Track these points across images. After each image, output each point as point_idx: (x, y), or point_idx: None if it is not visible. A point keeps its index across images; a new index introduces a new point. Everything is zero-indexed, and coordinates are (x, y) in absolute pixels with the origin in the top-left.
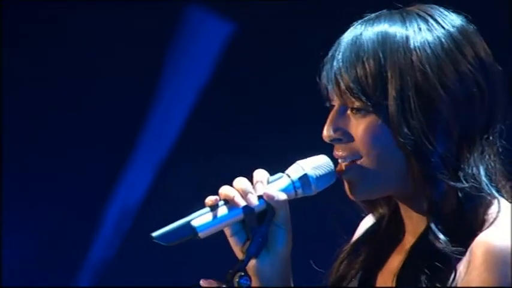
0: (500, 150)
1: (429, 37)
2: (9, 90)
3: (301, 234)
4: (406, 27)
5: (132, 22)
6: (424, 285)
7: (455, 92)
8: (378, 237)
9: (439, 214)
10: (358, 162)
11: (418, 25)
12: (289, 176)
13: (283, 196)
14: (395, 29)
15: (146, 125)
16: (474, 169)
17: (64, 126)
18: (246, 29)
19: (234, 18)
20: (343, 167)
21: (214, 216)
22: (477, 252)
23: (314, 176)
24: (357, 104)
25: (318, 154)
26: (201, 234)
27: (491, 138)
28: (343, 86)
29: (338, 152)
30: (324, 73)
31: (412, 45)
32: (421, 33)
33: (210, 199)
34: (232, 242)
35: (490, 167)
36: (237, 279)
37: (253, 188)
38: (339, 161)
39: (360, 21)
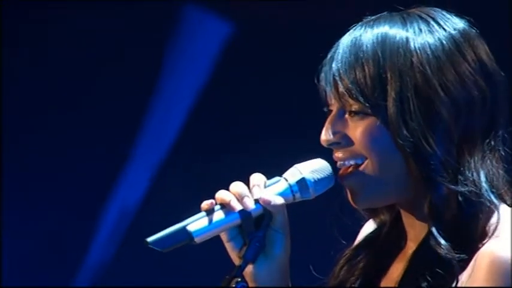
0: (503, 155)
1: (430, 39)
2: (9, 90)
3: (299, 239)
4: (407, 28)
5: (131, 22)
6: None
7: (455, 94)
8: (379, 243)
9: (440, 219)
10: (361, 168)
11: (418, 26)
12: (286, 180)
13: (280, 200)
14: (395, 31)
15: (145, 126)
16: (474, 174)
17: (62, 127)
18: (245, 29)
19: (233, 18)
20: (345, 173)
21: (210, 221)
22: (481, 263)
23: (312, 180)
24: (355, 106)
25: (317, 157)
26: (197, 239)
27: (493, 143)
28: (341, 88)
29: (338, 155)
30: (323, 75)
31: (412, 47)
32: (421, 34)
33: (206, 203)
34: (229, 247)
35: (491, 172)
36: (234, 285)
37: (250, 192)
38: (338, 164)
39: (359, 23)
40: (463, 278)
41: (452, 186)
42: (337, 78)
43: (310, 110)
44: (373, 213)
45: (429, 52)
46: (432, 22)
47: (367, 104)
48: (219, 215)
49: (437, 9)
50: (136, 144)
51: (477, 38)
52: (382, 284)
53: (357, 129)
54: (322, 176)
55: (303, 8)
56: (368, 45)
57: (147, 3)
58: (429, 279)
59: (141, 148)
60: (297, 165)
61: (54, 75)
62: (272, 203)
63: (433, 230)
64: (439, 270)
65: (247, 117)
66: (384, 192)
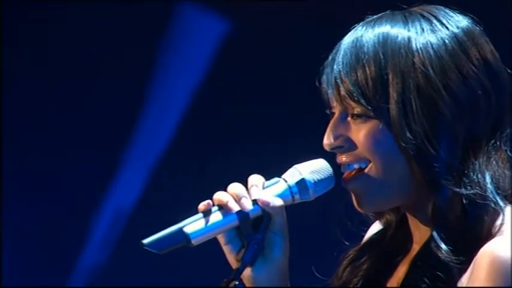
0: (509, 156)
1: (432, 38)
2: (2, 91)
3: (298, 242)
4: (409, 28)
5: (127, 21)
6: None
7: (459, 95)
8: (383, 245)
9: (443, 222)
10: (365, 171)
11: (421, 26)
12: (285, 181)
13: (279, 202)
14: (397, 30)
15: (140, 126)
16: (479, 175)
17: (58, 127)
18: (243, 27)
19: (230, 16)
20: (349, 177)
21: (208, 223)
22: (481, 263)
23: (312, 181)
24: (357, 109)
25: (317, 158)
26: (194, 241)
27: (498, 143)
28: (343, 91)
29: (342, 159)
30: (324, 77)
31: (414, 47)
32: (423, 34)
33: (203, 204)
34: (227, 250)
35: (496, 173)
36: None
37: (248, 192)
38: (342, 168)
39: (361, 23)
40: (464, 279)
41: (457, 189)
42: (339, 80)
43: (310, 110)
44: (379, 214)
45: (431, 52)
46: (435, 21)
47: (369, 107)
48: (216, 216)
49: (440, 7)
50: (132, 144)
51: (481, 36)
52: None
53: (359, 133)
54: (322, 176)
55: (302, 6)
56: (369, 46)
57: (143, 3)
58: (429, 282)
59: (137, 148)
60: (296, 166)
61: (50, 75)
62: (271, 205)
63: (434, 233)
64: (439, 273)
65: (245, 117)
66: (388, 196)
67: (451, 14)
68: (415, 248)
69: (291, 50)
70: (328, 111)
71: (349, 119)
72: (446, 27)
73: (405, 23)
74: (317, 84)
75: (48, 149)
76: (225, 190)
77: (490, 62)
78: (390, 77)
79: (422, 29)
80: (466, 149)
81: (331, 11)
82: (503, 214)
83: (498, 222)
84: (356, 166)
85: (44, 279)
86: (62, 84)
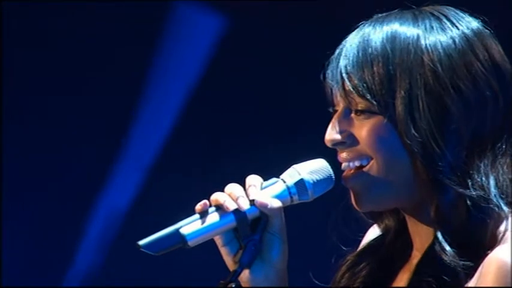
0: None
1: (442, 37)
2: None
3: (297, 243)
4: (418, 25)
5: (122, 19)
6: None
7: (467, 94)
8: (382, 251)
9: (446, 224)
10: (365, 168)
11: (430, 24)
12: (284, 181)
13: (277, 203)
14: (406, 27)
15: (134, 126)
16: (484, 178)
17: (52, 127)
18: (240, 25)
19: (227, 14)
20: (349, 175)
21: (205, 223)
22: (489, 269)
23: (311, 181)
24: (361, 105)
25: (316, 158)
26: (191, 243)
27: (504, 147)
28: (348, 85)
29: (343, 155)
30: (329, 72)
31: (423, 44)
32: (433, 32)
33: (200, 205)
34: (224, 251)
35: (501, 178)
36: None
37: (246, 193)
38: (343, 165)
39: (369, 21)
40: (470, 284)
41: (461, 190)
42: (345, 75)
43: (309, 110)
44: (377, 218)
45: (441, 50)
46: (445, 20)
47: (374, 102)
48: (213, 217)
49: (451, 8)
50: (126, 146)
51: (491, 38)
52: None
53: (362, 128)
54: (322, 177)
55: (302, 3)
56: (377, 41)
57: (140, 1)
58: (434, 287)
59: (131, 150)
60: (295, 166)
61: (45, 75)
62: (269, 207)
63: (439, 235)
64: (445, 278)
65: (243, 117)
66: (389, 194)
67: (462, 14)
68: (416, 254)
69: (289, 48)
70: (330, 110)
71: (352, 115)
72: (457, 27)
73: (415, 20)
74: (321, 79)
75: (43, 148)
76: (223, 191)
77: (499, 64)
78: (397, 72)
79: (432, 27)
80: (471, 150)
81: (331, 9)
82: (507, 220)
83: (502, 228)
84: (357, 163)
85: (33, 281)
86: (56, 83)
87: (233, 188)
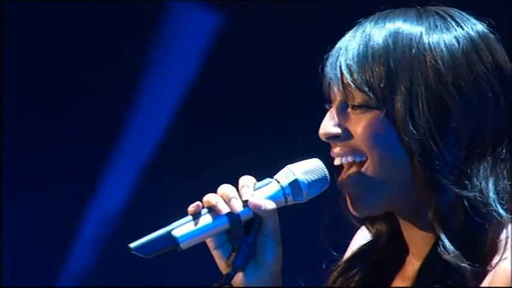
0: None
1: (446, 35)
2: None
3: (292, 246)
4: (422, 22)
5: (121, 19)
6: None
7: (468, 94)
8: (375, 257)
9: (446, 226)
10: (361, 170)
11: (434, 22)
12: (278, 182)
13: (271, 205)
14: (409, 24)
15: (128, 127)
16: (483, 182)
17: (45, 127)
18: (237, 22)
19: (223, 11)
20: (345, 178)
21: (197, 225)
22: (501, 279)
23: (305, 182)
24: (358, 99)
25: (311, 158)
26: (183, 245)
27: (504, 152)
28: (347, 78)
29: (336, 150)
30: (328, 66)
31: (426, 41)
32: (437, 30)
33: (192, 206)
34: (216, 254)
35: (501, 184)
36: None
37: (239, 194)
38: (336, 161)
39: (371, 16)
40: None
41: (458, 190)
42: (344, 68)
43: (305, 109)
44: (369, 224)
45: (444, 48)
46: (450, 19)
47: (372, 96)
48: (206, 219)
49: (457, 9)
50: (119, 147)
51: (495, 42)
52: None
53: (358, 123)
54: (317, 177)
55: (301, 4)
56: (379, 36)
57: (140, 1)
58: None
59: (124, 151)
60: (289, 166)
61: (44, 75)
62: (262, 208)
63: (441, 235)
64: (452, 280)
65: (239, 117)
66: (386, 197)
67: (467, 16)
68: (412, 261)
69: (287, 47)
70: (327, 106)
71: (349, 110)
72: (461, 27)
73: (419, 17)
74: (320, 72)
75: (43, 148)
76: (216, 192)
77: (502, 67)
78: (398, 68)
79: (436, 25)
80: (471, 151)
81: (329, 7)
82: (507, 227)
83: (503, 235)
84: (350, 159)
85: (39, 280)
86: (56, 83)
87: (226, 189)
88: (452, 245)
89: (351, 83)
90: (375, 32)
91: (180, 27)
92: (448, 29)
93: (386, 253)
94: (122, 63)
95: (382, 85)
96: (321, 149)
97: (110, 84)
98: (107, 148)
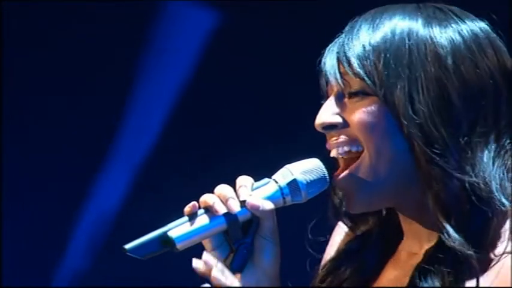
0: None
1: (445, 23)
2: None
3: (290, 246)
4: (421, 12)
5: (122, 19)
6: None
7: (468, 80)
8: (363, 254)
9: (450, 215)
10: (356, 163)
11: (434, 13)
12: (276, 182)
13: (269, 205)
14: (408, 15)
15: (126, 124)
16: (486, 170)
17: (50, 129)
18: (237, 21)
19: (223, 8)
20: (340, 174)
21: (194, 226)
22: (507, 274)
23: (304, 182)
24: (355, 86)
25: (309, 157)
26: (179, 246)
27: (508, 144)
28: (344, 66)
29: (332, 141)
30: (324, 59)
31: (425, 29)
32: (436, 19)
33: (188, 207)
34: (214, 256)
35: (504, 174)
36: None
37: (236, 194)
38: (332, 152)
39: (367, 12)
40: (485, 282)
41: (460, 175)
42: (341, 57)
43: (304, 108)
44: (354, 223)
45: (444, 35)
46: (450, 13)
47: (370, 81)
48: (203, 219)
49: (457, 8)
50: (114, 146)
51: (497, 38)
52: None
53: (355, 112)
54: (315, 177)
55: (301, 3)
56: (377, 28)
57: (140, 1)
58: (450, 278)
59: (119, 150)
60: (287, 166)
61: (44, 75)
62: (260, 209)
63: (446, 225)
64: (460, 268)
65: (236, 116)
66: (385, 191)
67: (468, 13)
68: (403, 254)
69: (287, 46)
70: (323, 102)
71: (345, 100)
72: (462, 20)
73: (418, 9)
74: (317, 67)
75: (43, 148)
76: (213, 193)
77: (504, 60)
78: (397, 55)
79: (436, 16)
80: (473, 138)
81: (327, 5)
82: (511, 217)
83: (507, 225)
84: (346, 148)
85: (40, 280)
86: (56, 83)
87: (223, 189)
88: (457, 233)
89: (348, 71)
90: (372, 24)
91: (178, 26)
92: (447, 20)
93: (376, 248)
94: (122, 63)
95: (379, 71)
96: (320, 149)
97: (110, 84)
98: (104, 148)
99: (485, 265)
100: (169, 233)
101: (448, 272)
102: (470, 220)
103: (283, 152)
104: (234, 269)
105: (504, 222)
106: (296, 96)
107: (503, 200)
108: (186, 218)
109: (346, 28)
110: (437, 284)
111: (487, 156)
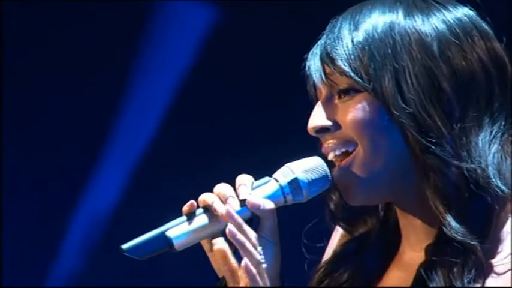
0: None
1: (427, 10)
2: None
3: (291, 246)
4: (400, 2)
5: (122, 19)
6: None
7: (456, 64)
8: (362, 256)
9: (450, 205)
10: (350, 157)
11: (413, 2)
12: (277, 181)
13: (270, 205)
14: (387, 7)
15: (119, 124)
16: (482, 155)
17: (50, 129)
18: (236, 18)
19: (222, 7)
20: (335, 170)
21: (193, 226)
22: None
23: (306, 181)
24: (344, 84)
25: (311, 156)
26: (178, 246)
27: (504, 127)
28: (328, 67)
29: (327, 144)
30: (308, 62)
31: (406, 18)
32: (416, 8)
33: (187, 206)
34: (212, 257)
35: (501, 159)
36: None
37: (236, 193)
38: (329, 156)
39: (346, 11)
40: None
41: (457, 162)
42: (325, 57)
43: (304, 106)
44: (352, 226)
45: (426, 21)
46: (432, 2)
47: (357, 77)
48: (202, 219)
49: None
50: (109, 144)
51: (482, 22)
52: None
53: (347, 111)
54: (317, 176)
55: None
56: (358, 21)
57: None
58: (455, 271)
59: (114, 149)
60: (288, 164)
61: (44, 75)
62: (261, 208)
63: (446, 215)
64: (465, 258)
65: (232, 117)
66: (382, 184)
67: (451, 0)
68: (408, 248)
69: (287, 46)
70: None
71: (336, 100)
72: (445, 7)
73: (396, 0)
74: (302, 71)
75: (43, 148)
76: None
77: (490, 41)
78: (381, 47)
79: (416, 5)
80: (466, 123)
81: (329, 7)
82: (507, 199)
83: (508, 213)
84: (343, 150)
85: (40, 280)
86: (56, 83)
87: (222, 188)
88: (458, 223)
89: (334, 70)
90: (352, 21)
91: (177, 25)
92: (428, 8)
93: (376, 249)
94: (122, 63)
95: (365, 65)
96: (320, 149)
97: (109, 84)
98: (104, 147)
99: (491, 254)
100: (168, 233)
101: (453, 264)
102: (471, 209)
103: (283, 150)
104: None
105: (504, 209)
106: (296, 95)
107: (502, 186)
108: (184, 218)
109: (327, 29)
110: (443, 278)
111: (482, 141)
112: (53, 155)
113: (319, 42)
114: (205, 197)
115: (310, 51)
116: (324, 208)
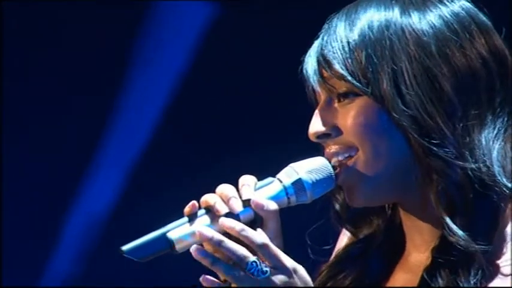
0: None
1: (422, 8)
2: None
3: (294, 248)
4: (396, 1)
5: (122, 19)
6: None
7: (455, 62)
8: (366, 259)
9: (454, 207)
10: (354, 158)
11: (412, 1)
12: (280, 181)
13: (273, 205)
14: (383, 6)
15: (115, 125)
16: (486, 153)
17: (50, 129)
18: (232, 11)
19: (221, 5)
20: (339, 170)
21: (194, 227)
22: None
23: (310, 181)
24: (342, 88)
25: (315, 156)
26: (179, 248)
27: (505, 124)
28: (325, 71)
29: (329, 149)
30: (305, 66)
31: (403, 17)
32: (412, 6)
33: (188, 207)
34: None
35: (506, 156)
36: None
37: (239, 193)
38: (333, 161)
39: (341, 10)
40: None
41: (460, 162)
42: (322, 61)
43: (305, 106)
44: (357, 227)
45: (423, 19)
46: (433, 0)
47: (355, 81)
48: (203, 220)
49: None
50: (105, 145)
51: (480, 14)
52: None
53: (347, 116)
54: (321, 176)
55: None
56: (353, 21)
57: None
58: (458, 275)
59: (110, 150)
60: (292, 165)
61: (44, 75)
62: (265, 208)
63: (447, 220)
64: (464, 265)
65: (232, 117)
66: (384, 186)
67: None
68: (414, 250)
69: (287, 45)
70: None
71: (335, 105)
72: (442, 2)
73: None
74: (299, 75)
75: (43, 148)
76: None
77: (489, 34)
78: (377, 48)
79: (412, 2)
80: (468, 122)
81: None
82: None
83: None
84: (346, 155)
85: (40, 280)
86: (56, 83)
87: (224, 188)
88: (462, 229)
89: (331, 75)
90: (348, 22)
91: (176, 23)
92: (425, 4)
93: (382, 250)
94: (122, 62)
95: (362, 68)
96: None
97: (108, 84)
98: (104, 147)
99: (497, 254)
100: (169, 234)
101: (458, 266)
102: (476, 210)
103: (286, 150)
104: None
105: (508, 208)
106: (299, 94)
107: (508, 184)
108: (185, 219)
109: (322, 29)
110: (448, 281)
111: (485, 138)
112: (50, 156)
113: (314, 44)
114: (207, 198)
115: (307, 54)
116: (329, 209)
